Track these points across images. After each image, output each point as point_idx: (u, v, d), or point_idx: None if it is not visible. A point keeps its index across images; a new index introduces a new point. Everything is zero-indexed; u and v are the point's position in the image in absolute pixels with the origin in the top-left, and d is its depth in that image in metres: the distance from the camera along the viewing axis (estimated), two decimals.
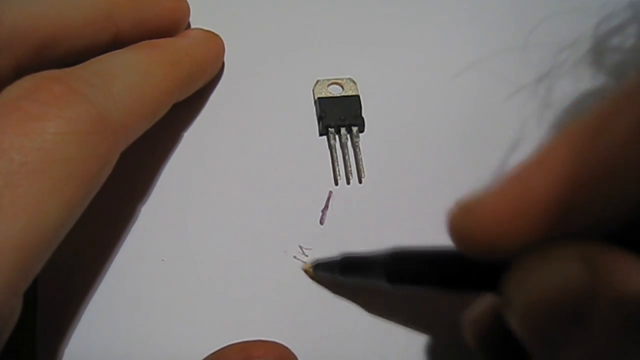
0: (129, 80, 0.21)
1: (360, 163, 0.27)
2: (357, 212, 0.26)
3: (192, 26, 0.28)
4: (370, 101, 0.28)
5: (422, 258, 0.20)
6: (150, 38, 0.25)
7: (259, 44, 0.29)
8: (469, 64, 0.29)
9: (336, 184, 0.26)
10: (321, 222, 0.26)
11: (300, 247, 0.25)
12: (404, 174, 0.27)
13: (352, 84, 0.28)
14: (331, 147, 0.27)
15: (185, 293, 0.24)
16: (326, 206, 0.26)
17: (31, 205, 0.17)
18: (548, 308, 0.15)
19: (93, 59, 0.22)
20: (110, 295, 0.24)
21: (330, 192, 0.26)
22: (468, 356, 0.22)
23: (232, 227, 0.25)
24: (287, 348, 0.22)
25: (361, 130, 0.27)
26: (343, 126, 0.27)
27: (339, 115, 0.27)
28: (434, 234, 0.24)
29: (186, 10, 0.27)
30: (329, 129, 0.27)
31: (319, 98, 0.28)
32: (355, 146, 0.27)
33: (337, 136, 0.27)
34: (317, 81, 0.28)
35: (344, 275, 0.23)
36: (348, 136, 0.27)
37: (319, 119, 0.27)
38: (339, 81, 0.28)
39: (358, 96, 0.28)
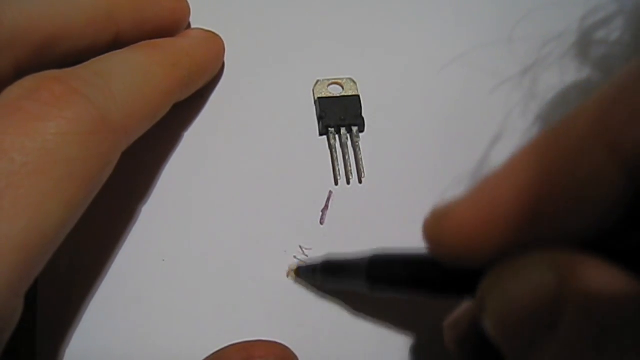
0: (129, 81, 0.21)
1: (360, 163, 0.27)
2: (357, 212, 0.26)
3: (192, 26, 0.28)
4: (370, 101, 0.28)
5: (402, 262, 0.21)
6: (151, 38, 0.25)
7: (259, 44, 0.29)
8: (470, 64, 0.29)
9: (336, 184, 0.26)
10: (321, 222, 0.26)
11: (300, 247, 0.25)
12: (404, 174, 0.27)
13: (352, 84, 0.28)
14: (331, 147, 0.27)
15: (185, 293, 0.24)
16: (326, 206, 0.26)
17: (32, 205, 0.17)
18: (519, 314, 0.15)
19: (93, 59, 0.22)
20: (110, 295, 0.24)
21: (330, 192, 0.26)
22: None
23: (232, 227, 0.25)
24: (287, 348, 0.22)
25: (361, 130, 0.27)
26: (343, 126, 0.27)
27: (339, 115, 0.27)
28: None
29: (186, 11, 0.27)
30: (329, 129, 0.27)
31: (319, 98, 0.28)
32: (355, 146, 0.27)
33: (337, 136, 0.27)
34: (317, 81, 0.28)
35: (325, 278, 0.23)
36: (348, 136, 0.27)
37: (319, 119, 0.27)
38: (339, 81, 0.28)
39: (358, 96, 0.28)
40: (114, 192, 0.23)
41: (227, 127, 0.27)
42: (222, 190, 0.26)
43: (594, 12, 0.30)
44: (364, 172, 0.27)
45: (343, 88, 0.28)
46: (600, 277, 0.14)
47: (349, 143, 0.27)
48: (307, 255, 0.25)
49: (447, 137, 0.28)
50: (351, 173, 0.27)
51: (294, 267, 0.25)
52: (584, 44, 0.29)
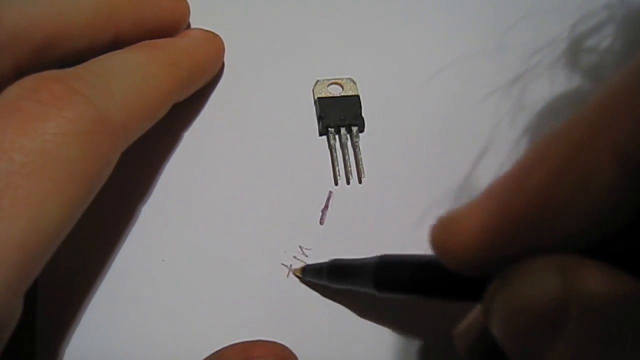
0: (129, 81, 0.21)
1: (360, 163, 0.27)
2: (357, 212, 0.26)
3: (192, 26, 0.28)
4: (370, 101, 0.28)
5: (410, 266, 0.21)
6: (151, 38, 0.25)
7: (259, 44, 0.29)
8: (470, 64, 0.29)
9: (336, 184, 0.26)
10: (321, 222, 0.26)
11: (300, 247, 0.25)
12: (403, 174, 0.27)
13: (352, 84, 0.28)
14: (331, 147, 0.27)
15: (185, 293, 0.24)
16: (326, 206, 0.26)
17: (32, 205, 0.17)
18: (525, 318, 0.15)
19: (93, 59, 0.22)
20: (110, 295, 0.24)
21: (330, 192, 0.26)
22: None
23: (232, 227, 0.25)
24: (287, 348, 0.22)
25: (361, 130, 0.27)
26: (343, 126, 0.27)
27: (339, 115, 0.27)
28: None
29: (186, 11, 0.27)
30: (329, 129, 0.27)
31: (318, 98, 0.28)
32: (355, 146, 0.27)
33: (337, 136, 0.27)
34: (317, 81, 0.28)
35: (331, 280, 0.23)
36: (348, 136, 0.27)
37: (319, 119, 0.27)
38: (339, 81, 0.28)
39: (358, 96, 0.28)
40: (113, 192, 0.23)
41: (226, 127, 0.27)
42: (222, 190, 0.26)
43: (585, 19, 0.30)
44: (363, 172, 0.27)
45: (343, 88, 0.28)
46: (604, 280, 0.15)
47: (349, 143, 0.27)
48: (307, 255, 0.25)
49: (447, 137, 0.28)
50: (351, 173, 0.27)
51: (299, 269, 0.25)
52: (574, 52, 0.29)
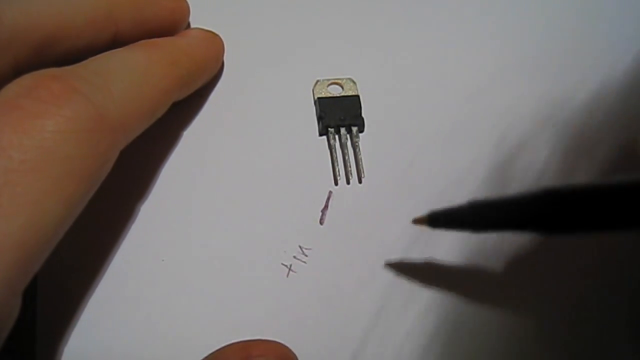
0: (128, 79, 0.21)
1: (360, 163, 0.27)
2: (357, 212, 0.26)
3: (192, 26, 0.28)
4: (370, 101, 0.28)
5: (584, 197, 0.19)
6: (150, 37, 0.25)
7: (259, 44, 0.29)
8: (470, 65, 0.29)
9: (336, 184, 0.26)
10: (321, 222, 0.26)
11: (300, 247, 0.25)
12: (404, 174, 0.27)
13: (352, 84, 0.28)
14: (331, 147, 0.27)
15: (185, 293, 0.24)
16: (326, 206, 0.26)
17: (30, 203, 0.17)
18: None
19: (92, 58, 0.22)
20: (110, 295, 0.24)
21: (330, 192, 0.26)
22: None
23: (232, 227, 0.25)
24: (287, 348, 0.22)
25: (361, 130, 0.27)
26: (343, 126, 0.27)
27: (339, 115, 0.27)
28: (433, 234, 0.24)
29: (186, 10, 0.27)
30: (329, 129, 0.27)
31: (318, 98, 0.28)
32: (355, 146, 0.27)
33: (337, 136, 0.27)
34: (317, 81, 0.28)
35: (476, 225, 0.21)
36: (348, 136, 0.27)
37: (319, 119, 0.27)
38: (339, 81, 0.28)
39: (358, 96, 0.28)
40: (112, 191, 0.23)
41: (226, 127, 0.27)
42: (222, 189, 0.26)
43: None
44: (363, 172, 0.26)
45: (343, 88, 0.28)
46: None
47: (349, 143, 0.27)
48: (306, 255, 0.25)
49: (447, 137, 0.28)
50: (351, 173, 0.26)
51: (423, 217, 0.22)
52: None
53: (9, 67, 0.21)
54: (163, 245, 0.25)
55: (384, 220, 0.26)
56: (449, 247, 0.25)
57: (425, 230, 0.22)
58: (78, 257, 0.24)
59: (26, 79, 0.19)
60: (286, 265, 0.25)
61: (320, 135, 0.27)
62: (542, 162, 0.27)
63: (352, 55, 0.29)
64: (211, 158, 0.27)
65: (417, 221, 0.22)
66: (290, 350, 0.22)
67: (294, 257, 0.25)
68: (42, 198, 0.17)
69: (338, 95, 0.28)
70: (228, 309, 0.24)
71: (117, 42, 0.24)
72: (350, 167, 0.27)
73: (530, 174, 0.27)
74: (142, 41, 0.24)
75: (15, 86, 0.19)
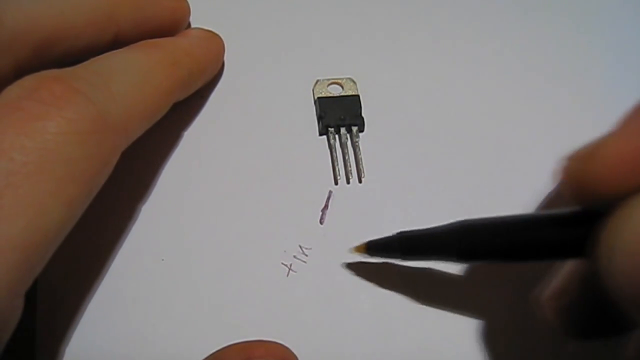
0: (129, 80, 0.21)
1: (360, 163, 0.27)
2: (357, 212, 0.26)
3: (192, 26, 0.28)
4: (370, 101, 0.28)
5: (496, 229, 0.20)
6: (151, 38, 0.24)
7: (259, 44, 0.29)
8: (470, 65, 0.29)
9: (336, 183, 0.26)
10: (321, 222, 0.26)
11: (300, 246, 0.25)
12: (404, 174, 0.27)
13: (352, 83, 0.28)
14: (331, 147, 0.27)
15: (185, 293, 0.24)
16: (326, 206, 0.26)
17: (32, 205, 0.17)
18: None
19: (93, 59, 0.22)
20: (110, 295, 0.24)
21: (330, 192, 0.26)
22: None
23: (232, 227, 0.25)
24: (287, 348, 0.22)
25: (361, 130, 0.27)
26: (343, 126, 0.27)
27: (339, 115, 0.27)
28: None
29: (186, 10, 0.27)
30: (329, 128, 0.27)
31: (318, 98, 0.28)
32: (355, 146, 0.27)
33: (337, 136, 0.27)
34: (317, 81, 0.28)
35: (405, 254, 0.23)
36: (348, 136, 0.27)
37: (319, 118, 0.27)
38: (339, 81, 0.28)
39: (358, 96, 0.28)
40: (113, 191, 0.23)
41: (226, 127, 0.27)
42: (222, 189, 0.26)
43: None
44: (363, 172, 0.27)
45: (343, 88, 0.28)
46: None
47: (349, 143, 0.27)
48: (307, 255, 0.25)
49: (447, 137, 0.28)
50: (351, 173, 0.27)
51: (361, 246, 0.24)
52: None
53: (10, 68, 0.21)
54: (163, 245, 0.25)
55: (383, 220, 0.26)
56: None
57: (365, 257, 0.24)
58: (78, 256, 0.24)
59: (27, 81, 0.19)
60: (286, 265, 0.25)
61: (321, 135, 0.27)
62: (541, 162, 0.27)
63: (352, 55, 0.29)
64: (211, 158, 0.27)
65: (357, 249, 0.24)
66: (290, 351, 0.22)
67: (294, 256, 0.25)
68: (44, 200, 0.17)
69: (338, 95, 0.28)
70: (228, 308, 0.24)
71: (118, 42, 0.24)
72: (350, 166, 0.27)
73: (530, 174, 0.27)
74: (143, 41, 0.24)
75: (17, 88, 0.19)
